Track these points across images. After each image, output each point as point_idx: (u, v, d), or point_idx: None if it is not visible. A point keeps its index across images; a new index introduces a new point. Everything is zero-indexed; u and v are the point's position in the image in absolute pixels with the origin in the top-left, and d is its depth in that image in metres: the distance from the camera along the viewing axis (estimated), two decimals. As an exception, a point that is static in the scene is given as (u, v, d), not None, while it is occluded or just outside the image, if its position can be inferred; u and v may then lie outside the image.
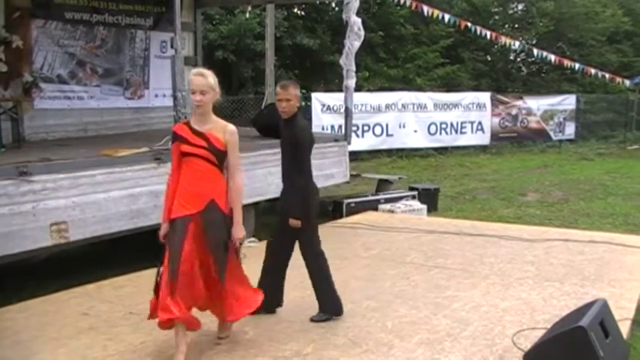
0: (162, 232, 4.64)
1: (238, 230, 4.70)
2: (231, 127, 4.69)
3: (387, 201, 10.50)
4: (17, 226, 5.76)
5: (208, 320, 4.96)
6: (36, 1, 8.96)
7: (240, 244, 4.80)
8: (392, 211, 10.00)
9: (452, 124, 18.71)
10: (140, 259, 6.37)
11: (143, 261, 6.08)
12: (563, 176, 14.96)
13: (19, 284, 6.56)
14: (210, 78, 4.59)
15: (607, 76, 18.72)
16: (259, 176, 8.26)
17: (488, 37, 16.39)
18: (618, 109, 22.82)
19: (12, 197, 5.73)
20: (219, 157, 4.60)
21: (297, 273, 6.51)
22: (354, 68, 9.51)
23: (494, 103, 19.37)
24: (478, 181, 14.43)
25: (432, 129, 18.43)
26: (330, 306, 5.41)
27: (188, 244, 4.46)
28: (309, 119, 15.48)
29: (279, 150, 8.64)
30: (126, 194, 6.56)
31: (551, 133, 20.52)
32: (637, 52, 25.00)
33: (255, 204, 8.43)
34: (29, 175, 5.86)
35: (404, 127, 17.84)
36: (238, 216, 4.71)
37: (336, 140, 9.86)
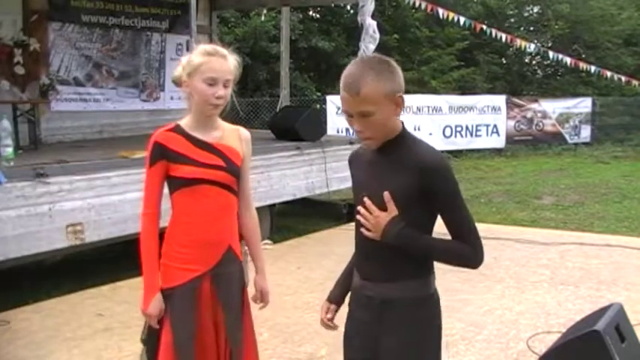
0: (153, 309, 2.91)
1: (264, 279, 3.24)
2: (245, 131, 3.17)
3: (402, 204, 10.46)
4: (33, 227, 5.80)
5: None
6: (53, 5, 9.03)
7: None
8: (406, 214, 9.96)
9: (467, 127, 18.64)
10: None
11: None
12: (579, 179, 14.88)
13: (35, 285, 6.61)
14: (233, 61, 2.99)
15: (623, 79, 18.59)
16: (275, 178, 8.28)
17: (504, 39, 16.33)
18: (635, 112, 22.64)
19: (28, 199, 5.77)
20: (237, 180, 3.05)
21: (317, 275, 6.54)
22: (368, 71, 9.51)
23: (510, 106, 19.28)
24: (493, 184, 14.37)
25: (447, 132, 18.38)
26: None
27: (201, 321, 2.95)
28: (325, 122, 15.49)
29: (293, 152, 8.76)
30: (141, 196, 6.54)
31: (567, 136, 20.40)
32: (654, 55, 24.86)
33: (271, 206, 8.46)
34: (45, 176, 5.90)
35: (419, 129, 17.78)
36: (263, 262, 3.27)
37: (351, 143, 9.85)
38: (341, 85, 2.39)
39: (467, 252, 2.44)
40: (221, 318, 2.98)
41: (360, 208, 2.49)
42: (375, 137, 2.42)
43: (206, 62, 2.88)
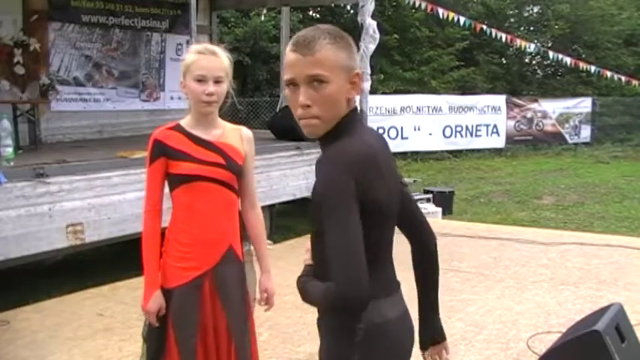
0: (153, 306, 2.91)
1: (269, 280, 3.23)
2: (247, 130, 3.17)
3: (402, 204, 10.44)
4: (34, 227, 5.80)
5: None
6: (53, 5, 9.03)
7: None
8: (406, 214, 9.94)
9: (467, 127, 18.65)
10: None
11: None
12: (579, 179, 14.88)
13: (35, 285, 6.61)
14: (225, 58, 2.99)
15: (623, 79, 18.61)
16: (275, 178, 8.28)
17: (504, 39, 16.31)
18: (635, 112, 22.68)
19: (29, 199, 5.77)
20: (238, 179, 3.08)
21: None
22: (369, 71, 9.50)
23: (510, 106, 19.30)
24: (493, 184, 14.38)
25: (447, 132, 18.38)
26: None
27: (203, 320, 2.96)
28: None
29: (293, 152, 8.76)
30: (141, 196, 6.52)
31: (567, 136, 20.42)
32: (653, 55, 24.86)
33: (271, 206, 8.46)
34: (45, 176, 5.90)
35: (419, 129, 17.81)
36: (269, 262, 3.25)
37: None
38: (290, 46, 1.96)
39: (328, 294, 1.89)
40: (221, 317, 2.98)
41: None
42: (323, 118, 1.97)
43: (195, 61, 2.91)
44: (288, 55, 1.96)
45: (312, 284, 2.02)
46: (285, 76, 1.98)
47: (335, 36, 1.96)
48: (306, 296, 2.05)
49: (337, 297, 1.84)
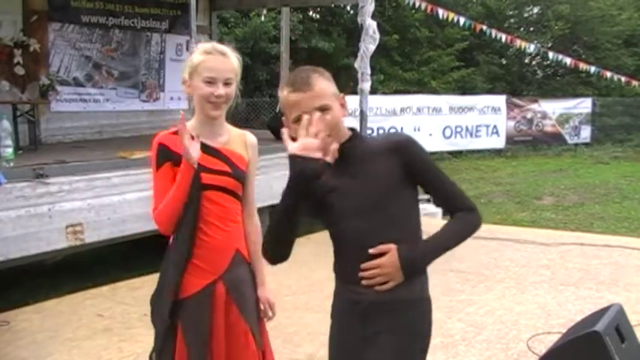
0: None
1: (267, 291, 3.10)
2: (252, 136, 3.04)
3: (402, 204, 10.45)
4: (33, 227, 5.80)
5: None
6: (53, 5, 9.02)
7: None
8: (406, 215, 9.95)
9: (467, 128, 18.63)
10: (155, 261, 6.39)
11: (158, 263, 6.07)
12: (579, 180, 14.88)
13: (35, 285, 6.61)
14: (235, 59, 2.87)
15: (623, 79, 18.61)
16: (275, 178, 8.27)
17: (504, 40, 16.31)
18: (634, 112, 22.67)
19: (28, 199, 5.77)
20: (242, 186, 2.96)
21: (317, 275, 6.53)
22: (369, 71, 9.49)
23: (510, 106, 19.29)
24: (493, 185, 14.38)
25: (447, 132, 18.37)
26: None
27: (215, 326, 2.85)
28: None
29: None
30: (141, 196, 6.54)
31: (567, 137, 20.41)
32: (653, 56, 24.85)
33: (272, 207, 8.46)
34: (45, 177, 5.90)
35: (419, 130, 17.78)
36: (264, 274, 3.08)
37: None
38: (287, 89, 2.32)
39: (470, 221, 2.50)
40: (240, 321, 2.89)
41: (362, 273, 2.39)
42: (333, 138, 2.33)
43: (204, 61, 2.78)
44: (289, 96, 2.32)
45: (442, 232, 2.49)
46: (292, 114, 2.32)
47: (320, 71, 2.39)
48: (439, 246, 2.47)
49: (477, 219, 2.51)
